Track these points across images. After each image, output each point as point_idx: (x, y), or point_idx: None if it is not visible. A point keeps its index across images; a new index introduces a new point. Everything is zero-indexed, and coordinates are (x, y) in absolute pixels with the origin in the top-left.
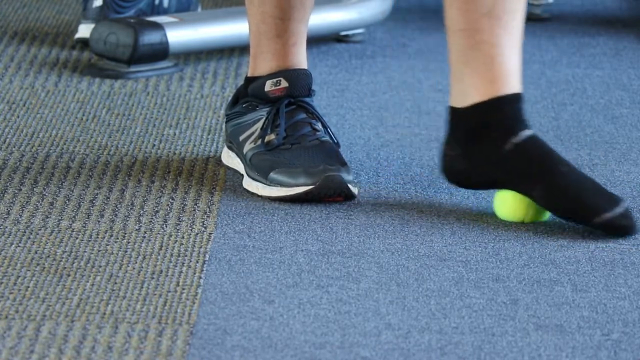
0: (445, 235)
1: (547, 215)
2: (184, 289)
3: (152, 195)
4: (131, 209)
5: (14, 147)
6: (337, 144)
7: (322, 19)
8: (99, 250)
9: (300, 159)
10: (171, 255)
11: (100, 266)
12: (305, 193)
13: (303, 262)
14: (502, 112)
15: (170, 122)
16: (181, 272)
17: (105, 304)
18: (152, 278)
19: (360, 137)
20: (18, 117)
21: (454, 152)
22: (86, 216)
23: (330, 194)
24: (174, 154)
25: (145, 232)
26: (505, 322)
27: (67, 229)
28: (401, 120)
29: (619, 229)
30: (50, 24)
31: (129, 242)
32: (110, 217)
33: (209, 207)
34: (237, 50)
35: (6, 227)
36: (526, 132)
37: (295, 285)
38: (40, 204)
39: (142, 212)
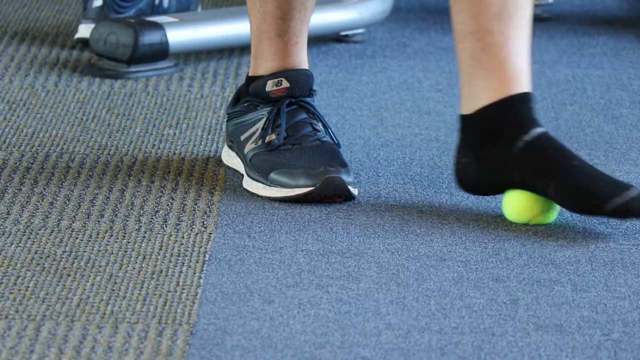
0: (445, 235)
1: (553, 218)
2: (184, 289)
3: (152, 195)
4: (131, 209)
5: (14, 147)
6: (338, 145)
7: (322, 19)
8: (99, 250)
9: (300, 159)
10: (171, 255)
11: (100, 266)
12: (306, 194)
13: (303, 262)
14: (512, 111)
15: (170, 122)
16: (181, 272)
17: (105, 304)
18: (152, 278)
19: (360, 137)
20: (18, 117)
21: (467, 159)
22: (86, 216)
23: (331, 196)
24: (174, 154)
25: (145, 232)
26: (505, 322)
27: (67, 229)
28: (401, 120)
29: (631, 212)
30: (50, 24)
31: (129, 242)
32: (110, 217)
33: (209, 207)
34: (237, 50)
35: (6, 227)
36: (537, 130)
37: (295, 285)
38: (40, 204)
39: (142, 212)
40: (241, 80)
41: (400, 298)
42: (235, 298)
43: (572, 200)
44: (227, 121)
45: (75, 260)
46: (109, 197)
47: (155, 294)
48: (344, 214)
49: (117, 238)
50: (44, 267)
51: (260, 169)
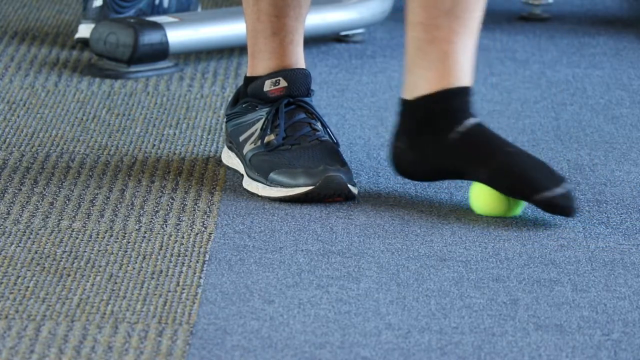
0: (445, 235)
1: (518, 210)
2: (184, 289)
3: (152, 195)
4: (131, 209)
5: (14, 147)
6: (337, 144)
7: (322, 19)
8: (99, 250)
9: (300, 159)
10: (171, 255)
11: (100, 266)
12: (306, 194)
13: (303, 262)
14: (449, 103)
15: (170, 122)
16: (181, 272)
17: (105, 304)
18: (152, 278)
19: (360, 137)
20: (18, 117)
21: (402, 144)
22: (86, 216)
23: (330, 195)
24: (174, 154)
25: (145, 232)
26: (505, 322)
27: (67, 229)
28: None
29: (556, 208)
30: (50, 24)
31: (129, 242)
32: (110, 217)
33: (209, 207)
34: (237, 50)
35: (6, 227)
36: (471, 120)
37: (295, 285)
38: (40, 204)
39: (142, 212)
40: (241, 80)
41: (400, 298)
42: (235, 298)
43: (503, 183)
44: (226, 122)
45: (75, 260)
46: (109, 197)
47: (155, 294)
48: (344, 214)
49: (117, 238)
50: (44, 267)
51: (260, 169)
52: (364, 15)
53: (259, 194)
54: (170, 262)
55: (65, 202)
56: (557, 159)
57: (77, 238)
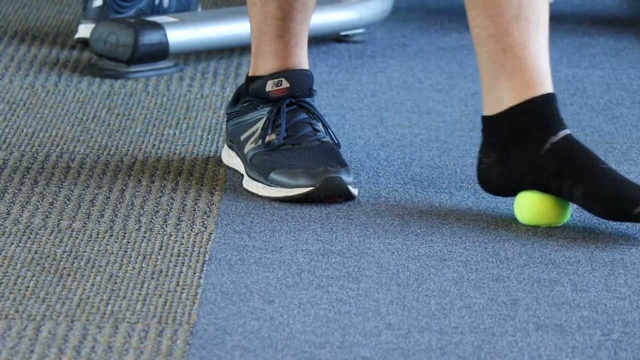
0: (445, 235)
1: (566, 218)
2: (184, 289)
3: (152, 195)
4: (131, 209)
5: (14, 147)
6: (338, 144)
7: (322, 19)
8: (99, 250)
9: (300, 159)
10: (171, 255)
11: (100, 266)
12: (306, 194)
13: (303, 262)
14: (538, 113)
15: (170, 122)
16: (181, 272)
17: (105, 304)
18: (152, 278)
19: (360, 137)
20: (18, 117)
21: (490, 159)
22: (86, 216)
23: (331, 195)
24: (174, 154)
25: (145, 232)
26: (505, 322)
27: (67, 229)
28: (401, 120)
29: None
30: (50, 24)
31: (129, 242)
32: (110, 217)
33: (209, 207)
34: (237, 50)
35: (6, 227)
36: (563, 132)
37: (295, 285)
38: (40, 204)
39: (142, 212)
40: (241, 80)
41: (400, 298)
42: (235, 298)
43: (601, 205)
44: (226, 121)
45: (75, 260)
46: (109, 197)
47: (155, 294)
48: (344, 214)
49: (117, 238)
50: (44, 267)
51: (260, 169)
52: (364, 15)
53: (259, 194)
54: (170, 262)
55: (65, 202)
56: None
57: (77, 238)
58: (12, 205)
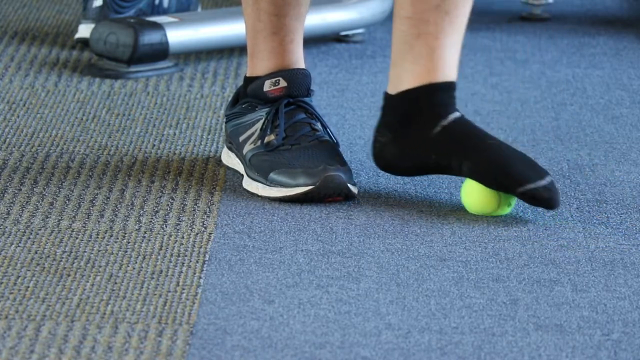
0: (445, 235)
1: (509, 209)
2: (184, 289)
3: (152, 195)
4: (131, 209)
5: (14, 147)
6: (337, 144)
7: (322, 19)
8: (99, 250)
9: (300, 159)
10: (171, 255)
11: (100, 266)
12: (305, 193)
13: (303, 262)
14: (434, 97)
15: (170, 122)
16: (181, 272)
17: (105, 304)
18: (152, 278)
19: (360, 137)
20: (18, 117)
21: (385, 138)
22: (86, 216)
23: (330, 194)
24: (174, 154)
25: (145, 232)
26: (505, 322)
27: (67, 229)
28: None
29: (540, 201)
30: (50, 24)
31: (129, 242)
32: (110, 217)
33: (209, 207)
34: (237, 50)
35: (6, 227)
36: (454, 115)
37: (295, 285)
38: (40, 204)
39: (142, 212)
40: (241, 80)
41: (400, 298)
42: (235, 298)
43: (486, 177)
44: (226, 122)
45: (75, 260)
46: (109, 197)
47: (155, 294)
48: (344, 214)
49: (117, 238)
50: (44, 267)
51: (260, 169)
52: (364, 15)
53: (259, 194)
54: (170, 262)
55: (65, 202)
56: (557, 159)
57: (77, 238)
58: (12, 205)
